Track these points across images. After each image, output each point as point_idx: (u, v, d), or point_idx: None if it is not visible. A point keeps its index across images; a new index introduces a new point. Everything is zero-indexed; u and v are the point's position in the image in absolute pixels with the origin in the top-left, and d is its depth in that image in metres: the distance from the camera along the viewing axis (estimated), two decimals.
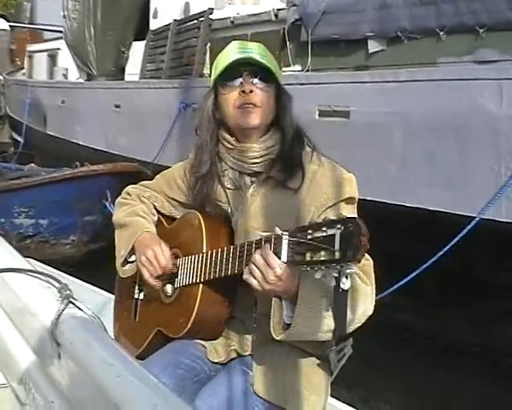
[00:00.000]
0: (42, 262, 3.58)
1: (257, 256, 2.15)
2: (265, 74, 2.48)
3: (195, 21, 10.49)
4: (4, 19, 24.70)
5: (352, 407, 3.10)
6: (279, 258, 2.08)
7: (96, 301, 3.76)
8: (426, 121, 5.90)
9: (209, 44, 9.96)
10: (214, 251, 2.44)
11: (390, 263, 5.77)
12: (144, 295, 2.82)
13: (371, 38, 7.15)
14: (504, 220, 5.36)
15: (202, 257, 2.49)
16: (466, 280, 6.04)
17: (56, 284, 2.23)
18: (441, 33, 6.41)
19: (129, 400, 1.56)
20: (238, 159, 2.53)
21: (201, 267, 2.48)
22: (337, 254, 1.88)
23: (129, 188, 2.94)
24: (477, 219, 5.36)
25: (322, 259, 1.92)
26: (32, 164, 11.70)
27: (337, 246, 1.89)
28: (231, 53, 2.51)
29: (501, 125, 5.37)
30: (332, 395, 2.69)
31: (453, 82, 5.81)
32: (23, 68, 20.22)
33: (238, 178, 2.56)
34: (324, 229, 1.94)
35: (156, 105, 10.33)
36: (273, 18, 8.59)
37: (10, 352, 2.37)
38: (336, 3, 7.61)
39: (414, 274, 5.45)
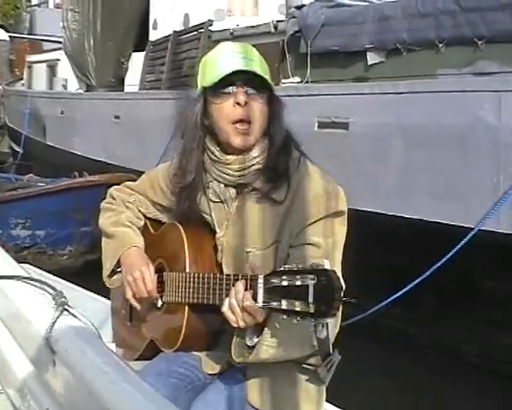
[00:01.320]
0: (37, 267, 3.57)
1: (234, 302, 2.14)
2: (259, 82, 2.38)
3: (195, 33, 10.51)
4: (4, 29, 24.74)
5: None
6: (256, 300, 2.07)
7: (91, 307, 3.75)
8: (425, 133, 5.90)
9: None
10: (196, 275, 2.40)
11: (389, 274, 5.79)
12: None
13: (370, 49, 7.15)
14: (503, 232, 5.35)
15: (185, 278, 2.44)
16: (464, 290, 6.04)
17: (51, 292, 2.23)
18: (440, 45, 6.41)
19: (123, 407, 1.55)
20: (222, 171, 2.45)
21: (185, 289, 2.44)
22: (311, 308, 1.88)
23: (113, 191, 2.88)
24: (476, 230, 5.35)
25: (297, 309, 1.92)
26: (31, 174, 11.70)
27: (311, 299, 1.89)
28: (222, 60, 2.39)
29: (500, 137, 5.36)
30: (327, 401, 2.66)
31: (452, 94, 5.80)
32: (22, 79, 20.22)
33: (223, 190, 2.48)
34: (299, 277, 1.92)
35: (156, 116, 10.33)
36: (272, 30, 8.60)
37: (5, 359, 2.37)
38: (335, 15, 7.63)
39: (412, 285, 5.44)
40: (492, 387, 5.78)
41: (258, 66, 2.38)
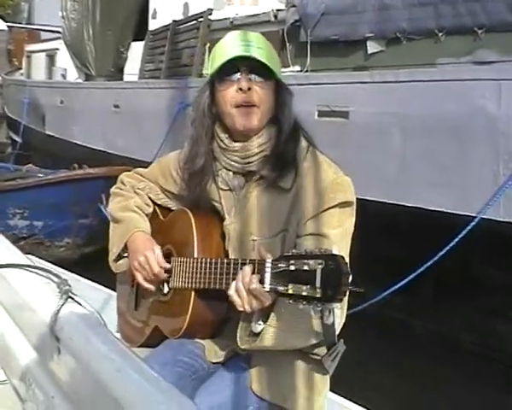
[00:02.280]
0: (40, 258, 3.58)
1: (241, 286, 2.14)
2: (264, 69, 2.38)
3: (194, 22, 10.50)
4: (2, 19, 24.69)
5: (352, 401, 3.10)
6: (262, 284, 2.08)
7: (94, 296, 3.75)
8: (425, 122, 5.90)
9: (208, 45, 9.96)
10: (204, 261, 2.40)
11: (389, 263, 5.80)
12: (141, 288, 2.78)
13: (370, 38, 7.17)
14: (503, 220, 5.37)
15: (193, 263, 2.45)
16: (463, 278, 6.06)
17: (55, 280, 2.22)
18: (440, 34, 6.42)
19: (129, 394, 1.55)
20: (231, 159, 2.47)
21: (192, 274, 2.44)
22: (318, 292, 1.88)
23: (123, 177, 2.89)
24: (477, 219, 5.37)
25: (303, 294, 1.91)
26: (31, 164, 11.67)
27: (318, 283, 1.88)
28: (230, 47, 2.40)
29: (500, 126, 5.37)
30: (331, 390, 2.67)
31: (452, 83, 5.81)
32: (21, 68, 20.21)
33: (232, 178, 2.50)
34: (306, 262, 1.92)
35: (155, 105, 10.33)
36: (272, 19, 8.60)
37: (10, 348, 2.37)
38: (335, 4, 7.62)
39: (414, 275, 5.45)
40: (490, 375, 5.81)
41: (264, 54, 2.38)
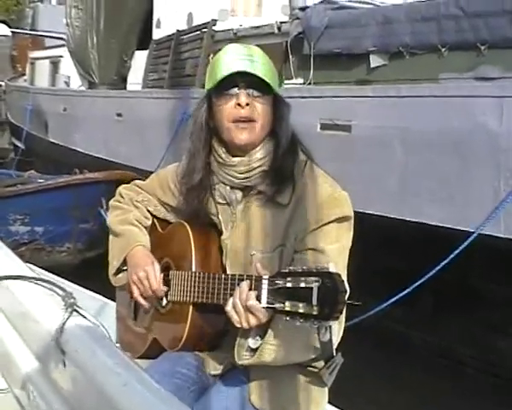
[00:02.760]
0: (44, 269, 3.58)
1: (238, 302, 2.14)
2: (262, 84, 2.37)
3: (198, 32, 10.51)
4: (6, 25, 24.72)
5: None
6: (259, 301, 2.08)
7: (98, 309, 3.76)
8: (427, 136, 5.92)
9: (212, 56, 9.97)
10: (202, 275, 2.41)
11: (389, 276, 5.82)
12: None
13: (373, 52, 7.17)
14: (503, 236, 5.38)
15: (191, 277, 2.45)
16: (462, 293, 6.07)
17: (60, 292, 2.23)
18: (443, 49, 6.42)
19: (135, 409, 1.55)
20: (228, 173, 2.46)
21: (190, 288, 2.45)
22: (315, 310, 1.89)
23: (122, 189, 2.90)
24: (475, 234, 5.39)
25: (300, 311, 1.92)
26: (32, 171, 11.68)
27: (315, 301, 1.89)
28: (228, 61, 2.39)
29: (501, 142, 5.39)
30: (332, 403, 2.70)
31: (454, 98, 5.83)
32: (24, 75, 20.22)
33: (229, 193, 2.50)
34: (303, 279, 1.93)
35: (158, 115, 10.36)
36: (276, 31, 8.61)
37: (14, 359, 2.38)
38: (339, 18, 7.64)
39: (412, 287, 5.47)
40: (489, 389, 5.82)
41: (262, 68, 2.37)
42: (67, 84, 15.62)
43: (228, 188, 2.49)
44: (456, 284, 5.83)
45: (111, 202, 2.90)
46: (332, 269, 1.92)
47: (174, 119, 9.45)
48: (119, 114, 11.82)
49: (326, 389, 2.52)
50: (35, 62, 18.55)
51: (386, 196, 6.24)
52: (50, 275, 3.08)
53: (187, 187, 2.58)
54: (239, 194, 2.49)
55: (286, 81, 8.09)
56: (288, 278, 1.97)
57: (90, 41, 13.93)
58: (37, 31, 22.12)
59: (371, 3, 8.37)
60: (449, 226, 5.68)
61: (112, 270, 2.74)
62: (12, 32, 24.08)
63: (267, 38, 8.70)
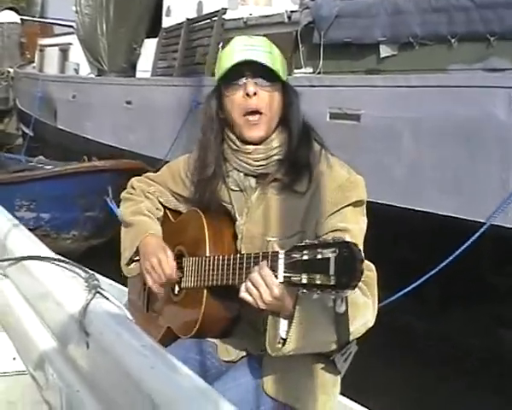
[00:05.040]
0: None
1: (255, 275, 2.12)
2: (270, 72, 2.42)
3: (208, 21, 10.50)
4: (15, 12, 24.68)
5: (361, 404, 3.10)
6: (276, 277, 2.06)
7: (117, 295, 3.74)
8: (436, 127, 5.94)
9: (221, 44, 9.97)
10: (216, 258, 2.42)
11: (398, 266, 5.83)
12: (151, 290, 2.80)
13: (383, 42, 7.18)
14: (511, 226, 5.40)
15: (205, 261, 2.47)
16: (471, 284, 6.07)
17: (83, 274, 2.22)
18: (452, 40, 6.43)
19: (164, 392, 1.54)
20: (243, 160, 2.50)
21: (204, 272, 2.47)
22: (332, 280, 1.88)
23: (134, 181, 2.93)
24: (486, 224, 5.41)
25: (317, 282, 1.91)
26: (41, 156, 11.72)
27: (332, 271, 1.88)
28: (234, 52, 2.44)
29: (510, 133, 5.41)
30: (341, 393, 2.70)
31: (463, 89, 5.85)
32: (33, 62, 20.19)
33: (243, 179, 2.53)
34: (320, 250, 1.92)
35: (168, 102, 10.36)
36: (286, 20, 8.61)
37: (35, 343, 2.37)
38: (349, 7, 7.64)
39: (423, 279, 5.46)
40: (498, 381, 5.82)
41: (268, 56, 2.42)
42: (77, 71, 15.59)
43: (242, 175, 2.53)
44: (465, 275, 5.83)
45: (123, 194, 2.93)
46: (348, 239, 1.92)
47: (184, 107, 9.46)
48: (128, 102, 11.82)
49: (339, 378, 2.55)
50: (44, 50, 18.51)
51: (395, 185, 6.25)
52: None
53: (200, 177, 2.62)
54: (253, 181, 2.52)
55: (295, 70, 8.10)
56: (305, 251, 1.96)
57: (99, 28, 13.92)
58: (46, 18, 22.05)
59: None
60: (458, 217, 5.69)
61: (124, 260, 2.77)
62: (21, 19, 24.02)
63: (277, 27, 8.70)
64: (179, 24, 11.44)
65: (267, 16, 9.16)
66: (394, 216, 6.07)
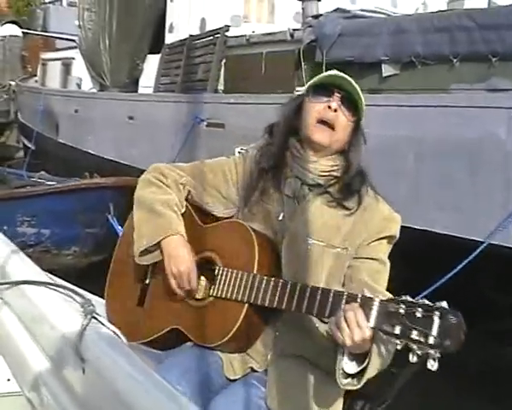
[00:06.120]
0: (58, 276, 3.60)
1: (350, 315, 2.19)
2: (352, 106, 2.65)
3: (211, 38, 10.50)
4: (17, 25, 24.76)
5: None
6: (368, 320, 2.17)
7: None
8: (438, 146, 5.94)
9: (224, 61, 10.00)
10: (272, 281, 2.48)
11: (398, 284, 5.82)
12: (157, 285, 2.80)
13: (385, 61, 7.17)
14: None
15: (254, 278, 2.51)
16: (471, 301, 6.07)
17: (79, 299, 2.25)
18: (454, 60, 6.42)
19: None
20: (305, 168, 2.64)
21: (251, 289, 2.50)
22: (431, 340, 2.00)
23: (163, 168, 2.91)
24: (485, 243, 5.41)
25: (413, 337, 2.03)
26: (43, 172, 11.72)
27: (434, 332, 2.01)
28: (333, 74, 2.71)
29: (510, 152, 5.42)
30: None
31: (465, 109, 5.85)
32: (35, 75, 20.24)
33: (299, 187, 2.65)
34: (420, 310, 2.05)
35: (170, 118, 10.36)
36: (288, 38, 8.60)
37: (30, 366, 2.37)
38: (352, 26, 7.65)
39: (422, 295, 5.45)
40: (499, 398, 5.82)
41: (356, 91, 2.66)
42: (79, 86, 15.62)
43: (299, 183, 2.66)
44: (465, 293, 5.83)
45: (148, 177, 2.90)
46: (445, 305, 2.08)
47: (186, 122, 9.46)
48: (130, 117, 11.81)
49: (342, 394, 2.58)
50: (47, 64, 18.54)
51: (397, 204, 6.23)
52: (65, 283, 3.07)
53: (260, 167, 2.74)
54: (306, 190, 2.66)
55: (298, 88, 8.09)
56: (402, 305, 2.09)
57: (102, 44, 13.91)
58: (48, 32, 22.11)
59: (384, 13, 8.39)
60: (458, 236, 5.69)
61: (140, 248, 2.73)
62: (23, 32, 24.10)
63: (280, 45, 8.71)
64: (182, 40, 11.46)
65: (270, 34, 9.16)
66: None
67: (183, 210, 2.81)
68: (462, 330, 2.02)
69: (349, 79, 2.66)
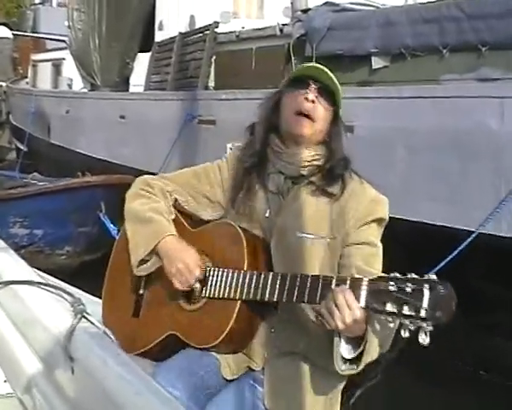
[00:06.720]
0: (51, 275, 3.58)
1: (339, 297, 2.19)
2: (329, 97, 2.64)
3: (201, 34, 10.50)
4: (7, 27, 24.75)
5: None
6: (358, 301, 2.16)
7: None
8: (428, 137, 5.95)
9: (214, 57, 9.99)
10: (262, 274, 2.48)
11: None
12: (151, 294, 2.79)
13: (375, 54, 7.17)
14: (504, 235, 5.40)
15: (245, 275, 2.51)
16: (463, 293, 6.05)
17: (69, 299, 2.20)
18: (444, 51, 6.42)
19: None
20: (287, 161, 2.65)
21: (242, 285, 2.50)
22: (423, 313, 2.00)
23: (149, 179, 2.91)
24: (476, 233, 5.43)
25: (404, 313, 2.02)
26: (36, 173, 11.71)
27: (425, 305, 2.00)
28: (308, 67, 2.75)
29: (502, 142, 5.42)
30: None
31: (455, 99, 5.85)
32: (26, 77, 20.23)
33: (283, 182, 2.66)
34: (409, 284, 2.04)
35: (161, 116, 10.36)
36: (278, 33, 8.60)
37: (22, 366, 2.35)
38: (341, 20, 7.64)
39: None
40: (489, 391, 5.82)
41: (333, 85, 2.65)
42: (70, 86, 15.61)
43: (282, 177, 2.67)
44: (456, 284, 5.82)
45: (135, 191, 2.90)
46: (433, 277, 2.08)
47: (177, 120, 9.46)
48: (121, 116, 11.79)
49: (339, 396, 2.59)
50: (37, 65, 18.53)
51: (388, 195, 6.23)
52: (57, 281, 3.05)
53: (244, 166, 2.75)
54: (289, 183, 2.66)
55: None
56: (391, 282, 2.09)
57: (92, 43, 13.88)
58: (38, 33, 22.10)
59: (373, 5, 8.37)
60: (450, 226, 5.69)
61: (138, 258, 2.73)
62: (13, 34, 24.10)
63: (269, 40, 8.72)
64: (172, 38, 11.44)
65: (259, 29, 9.16)
66: (387, 226, 6.05)
67: (172, 216, 2.81)
68: (453, 301, 2.02)
69: (325, 69, 2.67)
